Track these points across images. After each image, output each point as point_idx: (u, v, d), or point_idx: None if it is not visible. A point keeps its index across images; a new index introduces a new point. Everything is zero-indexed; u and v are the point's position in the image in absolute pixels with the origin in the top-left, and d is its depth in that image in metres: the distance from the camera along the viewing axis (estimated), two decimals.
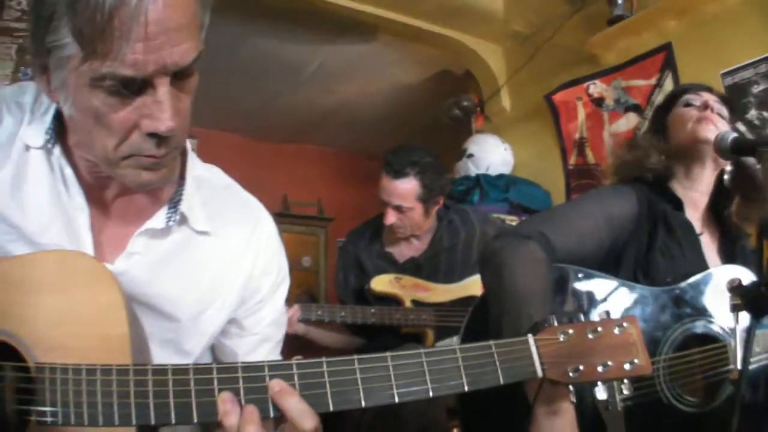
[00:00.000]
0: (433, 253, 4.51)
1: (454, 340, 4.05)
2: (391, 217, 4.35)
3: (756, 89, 4.51)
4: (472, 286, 4.36)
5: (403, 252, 4.58)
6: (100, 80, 1.38)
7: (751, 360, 2.29)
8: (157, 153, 1.53)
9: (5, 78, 4.34)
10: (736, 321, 2.23)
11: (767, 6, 4.52)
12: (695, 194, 2.77)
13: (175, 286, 1.77)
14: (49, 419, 1.36)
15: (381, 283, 4.31)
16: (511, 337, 1.71)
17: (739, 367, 2.07)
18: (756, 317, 1.68)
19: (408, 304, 4.27)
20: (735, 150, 2.47)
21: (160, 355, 1.73)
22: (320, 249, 9.01)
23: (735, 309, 2.07)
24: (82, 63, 1.37)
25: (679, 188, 2.77)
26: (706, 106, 2.69)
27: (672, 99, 2.88)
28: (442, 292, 4.36)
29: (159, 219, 1.74)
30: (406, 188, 4.28)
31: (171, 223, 1.75)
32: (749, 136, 2.98)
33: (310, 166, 9.33)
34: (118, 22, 1.32)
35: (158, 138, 1.49)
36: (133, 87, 1.42)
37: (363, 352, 4.03)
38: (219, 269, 1.85)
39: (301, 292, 7.93)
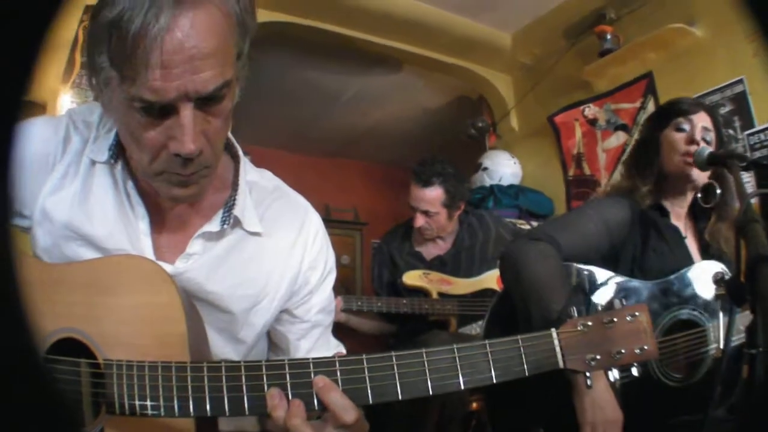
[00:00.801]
0: (456, 252, 4.50)
1: (476, 326, 4.16)
2: (420, 221, 4.37)
3: (723, 110, 4.57)
4: (489, 279, 4.36)
5: (430, 251, 4.57)
6: (132, 101, 1.33)
7: (733, 339, 2.30)
8: (184, 172, 1.45)
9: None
10: (720, 308, 2.35)
11: (731, 40, 4.56)
12: (678, 208, 2.78)
13: (229, 283, 1.68)
14: (117, 410, 1.30)
15: (412, 277, 4.31)
16: (540, 322, 1.78)
17: (722, 346, 2.22)
18: (737, 305, 1.62)
19: (435, 295, 4.25)
20: (710, 162, 2.50)
21: (217, 341, 1.67)
22: (356, 249, 8.98)
23: (719, 298, 2.08)
24: (120, 84, 1.33)
25: (665, 201, 2.76)
26: (692, 141, 2.64)
27: (665, 115, 2.80)
28: (463, 285, 4.35)
29: (214, 223, 1.67)
30: (432, 195, 4.31)
31: (225, 226, 1.67)
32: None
33: (347, 178, 9.30)
34: (140, 50, 1.26)
35: (183, 158, 1.41)
36: (158, 110, 1.35)
37: (396, 337, 4.02)
38: (270, 266, 1.76)
39: (340, 286, 7.78)
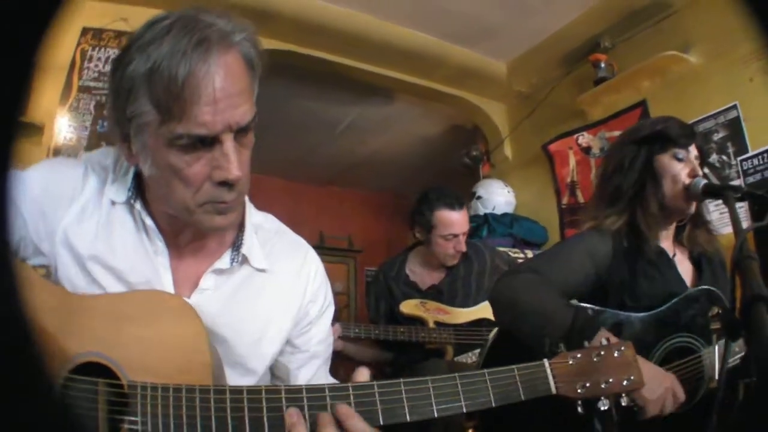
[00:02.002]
0: (451, 281, 4.51)
1: (472, 354, 4.18)
2: (463, 244, 4.41)
3: (717, 137, 4.67)
4: (485, 309, 4.34)
5: (425, 280, 4.58)
6: (177, 139, 1.47)
7: (730, 360, 2.30)
8: (228, 198, 1.58)
9: (84, 129, 4.49)
10: (716, 341, 2.37)
11: (724, 66, 4.67)
12: (664, 231, 2.78)
13: (239, 316, 1.78)
14: (140, 428, 1.37)
15: (409, 306, 4.33)
16: (536, 349, 1.82)
17: (716, 376, 2.25)
18: (732, 340, 1.69)
19: (431, 324, 4.27)
20: (705, 194, 2.54)
21: (231, 374, 1.74)
22: (350, 276, 9.04)
23: (715, 332, 2.10)
24: (159, 126, 1.47)
25: (648, 225, 2.71)
26: (695, 174, 2.64)
27: (659, 140, 2.72)
28: (459, 315, 4.36)
29: (225, 260, 1.79)
30: (466, 217, 4.43)
31: (234, 263, 1.79)
32: (714, 180, 3.01)
33: (342, 206, 9.35)
34: (189, 90, 1.42)
35: (227, 185, 1.55)
36: (204, 143, 1.50)
37: (393, 365, 4.06)
38: (276, 300, 1.86)
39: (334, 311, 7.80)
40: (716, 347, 2.33)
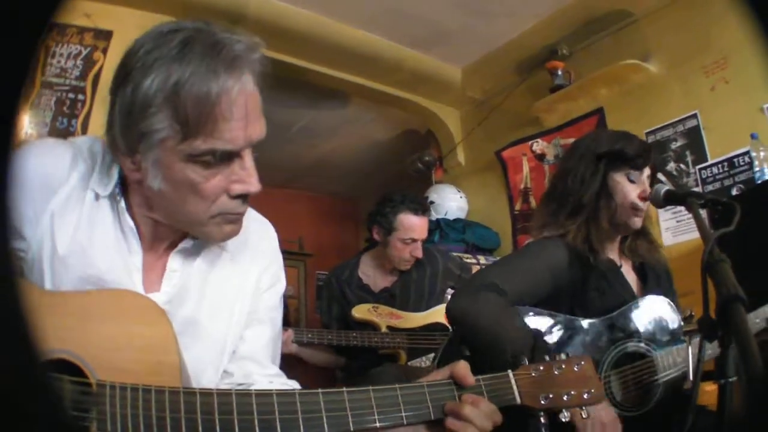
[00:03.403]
0: (403, 284, 4.55)
1: (425, 359, 4.20)
2: (420, 250, 4.46)
3: (675, 145, 4.76)
4: (437, 313, 4.43)
5: (377, 283, 4.61)
6: (198, 156, 1.52)
7: (671, 371, 2.53)
8: (241, 210, 1.68)
9: (45, 125, 4.44)
10: (689, 344, 2.37)
11: (685, 75, 4.77)
12: (610, 243, 2.85)
13: (209, 294, 1.81)
14: (109, 428, 1.35)
15: (361, 311, 4.36)
16: (497, 367, 1.81)
17: (691, 377, 2.30)
18: (708, 340, 1.72)
19: (384, 329, 4.30)
20: (667, 201, 2.55)
21: (207, 353, 1.78)
22: (300, 280, 9.02)
23: (688, 334, 2.13)
24: (180, 143, 1.50)
25: (596, 238, 2.76)
26: (645, 198, 2.72)
27: (615, 159, 2.77)
28: (412, 319, 4.40)
29: (188, 240, 1.79)
30: (427, 223, 4.50)
31: (197, 240, 1.80)
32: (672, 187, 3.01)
33: (293, 208, 9.27)
34: (221, 107, 1.48)
35: (243, 198, 1.63)
36: (224, 158, 1.55)
37: (346, 370, 4.08)
38: (239, 275, 1.90)
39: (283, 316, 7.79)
40: (689, 348, 2.36)
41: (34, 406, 0.72)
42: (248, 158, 1.59)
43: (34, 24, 0.71)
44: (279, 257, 2.08)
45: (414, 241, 4.37)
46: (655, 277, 2.88)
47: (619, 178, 2.76)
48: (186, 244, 1.79)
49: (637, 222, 2.76)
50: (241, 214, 1.69)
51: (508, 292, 2.51)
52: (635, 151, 2.77)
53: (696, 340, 2.22)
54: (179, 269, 1.77)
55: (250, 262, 1.93)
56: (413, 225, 4.37)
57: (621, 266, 2.84)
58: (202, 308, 1.78)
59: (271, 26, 5.23)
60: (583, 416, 1.80)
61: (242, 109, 1.51)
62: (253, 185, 1.60)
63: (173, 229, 1.74)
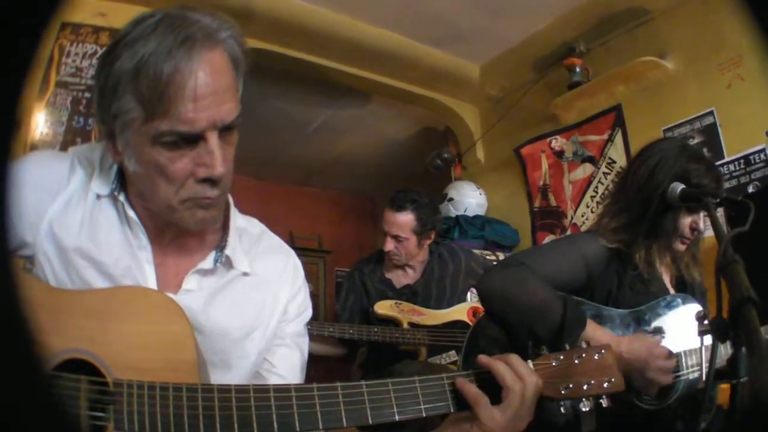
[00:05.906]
0: (426, 282, 4.56)
1: (446, 356, 4.26)
2: (389, 245, 4.48)
3: (691, 142, 4.60)
4: (459, 311, 4.45)
5: (400, 279, 4.64)
6: (161, 137, 1.49)
7: (692, 369, 2.50)
8: (211, 194, 1.60)
9: (61, 124, 4.45)
10: (702, 343, 2.30)
11: (701, 72, 4.73)
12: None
13: (223, 316, 1.78)
14: (126, 426, 1.35)
15: (384, 307, 4.36)
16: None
17: (704, 377, 2.24)
18: (720, 341, 1.70)
19: (405, 325, 4.30)
20: (683, 199, 2.53)
21: (213, 373, 1.72)
22: (320, 277, 8.98)
23: (701, 334, 2.12)
24: (144, 124, 1.49)
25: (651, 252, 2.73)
26: (694, 229, 2.68)
27: (694, 199, 2.55)
28: (434, 317, 4.40)
29: (208, 261, 1.78)
30: (403, 220, 4.42)
31: (218, 264, 1.79)
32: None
33: (312, 206, 9.32)
34: (173, 87, 1.45)
35: (211, 182, 1.58)
36: (188, 140, 1.51)
37: (366, 366, 4.06)
38: (260, 300, 1.87)
39: None
40: (702, 349, 2.35)
41: (35, 413, 0.70)
42: (212, 141, 1.53)
43: (31, 29, 0.69)
44: (305, 287, 2.06)
45: (387, 234, 4.49)
46: (692, 292, 2.81)
47: (684, 218, 2.68)
48: (206, 265, 1.78)
49: (681, 248, 2.72)
50: (213, 199, 1.63)
51: (537, 271, 2.51)
52: (717, 199, 2.52)
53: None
54: (195, 289, 1.76)
55: (274, 288, 1.92)
56: (386, 218, 4.51)
57: (662, 274, 2.80)
58: (208, 322, 1.74)
59: (290, 24, 5.24)
60: (604, 405, 1.79)
61: (203, 90, 1.48)
62: (216, 169, 1.54)
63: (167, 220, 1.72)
